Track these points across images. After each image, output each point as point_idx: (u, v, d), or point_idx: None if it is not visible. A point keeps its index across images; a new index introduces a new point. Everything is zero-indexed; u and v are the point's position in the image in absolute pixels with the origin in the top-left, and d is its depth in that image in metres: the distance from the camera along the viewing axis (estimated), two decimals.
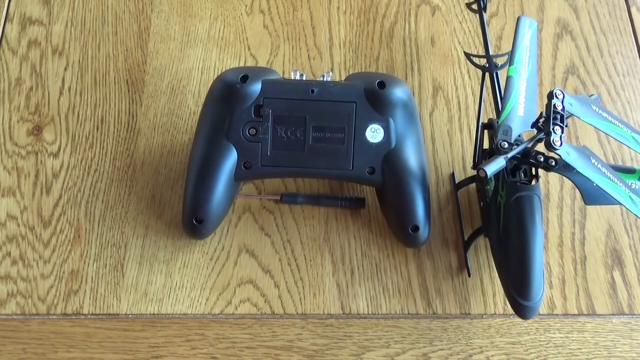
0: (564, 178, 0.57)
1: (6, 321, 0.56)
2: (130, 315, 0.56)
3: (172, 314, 0.56)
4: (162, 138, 0.64)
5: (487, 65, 0.61)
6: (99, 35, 0.69)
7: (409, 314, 0.57)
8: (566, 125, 0.49)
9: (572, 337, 0.57)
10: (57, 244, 0.59)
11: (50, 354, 0.54)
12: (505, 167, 0.49)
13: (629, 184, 0.50)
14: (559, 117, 0.48)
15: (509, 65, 0.54)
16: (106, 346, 0.55)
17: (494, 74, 0.61)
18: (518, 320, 0.56)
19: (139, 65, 0.68)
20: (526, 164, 0.52)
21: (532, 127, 0.51)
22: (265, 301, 0.57)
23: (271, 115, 0.55)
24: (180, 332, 0.55)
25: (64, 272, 0.58)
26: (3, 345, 0.54)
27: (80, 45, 0.69)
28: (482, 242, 0.60)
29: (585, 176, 0.47)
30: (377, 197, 0.60)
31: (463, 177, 0.62)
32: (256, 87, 0.55)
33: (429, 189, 0.57)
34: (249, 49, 0.69)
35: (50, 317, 0.56)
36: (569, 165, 0.47)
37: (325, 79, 0.58)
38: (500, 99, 0.59)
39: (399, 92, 0.56)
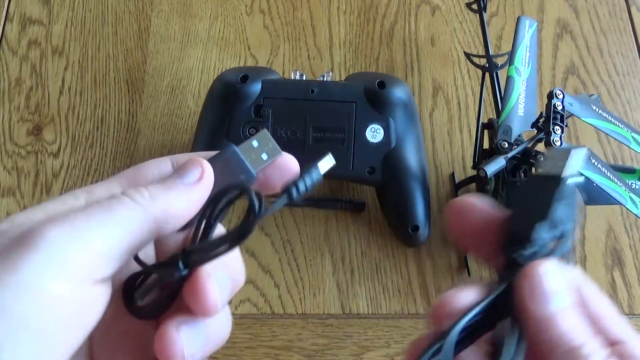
0: None
1: None
2: None
3: None
4: (162, 138, 0.64)
5: (487, 65, 0.61)
6: (99, 35, 0.69)
7: (409, 314, 0.57)
8: (566, 125, 0.49)
9: None
10: None
11: None
12: (505, 167, 0.49)
13: (629, 184, 0.50)
14: (559, 117, 0.48)
15: (509, 65, 0.54)
16: None
17: (494, 74, 0.61)
18: None
19: (139, 65, 0.68)
20: (526, 164, 0.52)
21: (532, 127, 0.51)
22: (265, 301, 0.57)
23: (271, 115, 0.55)
24: None
25: None
26: None
27: (80, 45, 0.69)
28: None
29: (585, 176, 0.47)
30: (377, 197, 0.60)
31: (463, 177, 0.62)
32: (256, 87, 0.55)
33: (429, 189, 0.57)
34: (249, 49, 0.69)
35: None
36: None
37: (325, 79, 0.58)
38: (500, 99, 0.59)
39: (399, 92, 0.56)
